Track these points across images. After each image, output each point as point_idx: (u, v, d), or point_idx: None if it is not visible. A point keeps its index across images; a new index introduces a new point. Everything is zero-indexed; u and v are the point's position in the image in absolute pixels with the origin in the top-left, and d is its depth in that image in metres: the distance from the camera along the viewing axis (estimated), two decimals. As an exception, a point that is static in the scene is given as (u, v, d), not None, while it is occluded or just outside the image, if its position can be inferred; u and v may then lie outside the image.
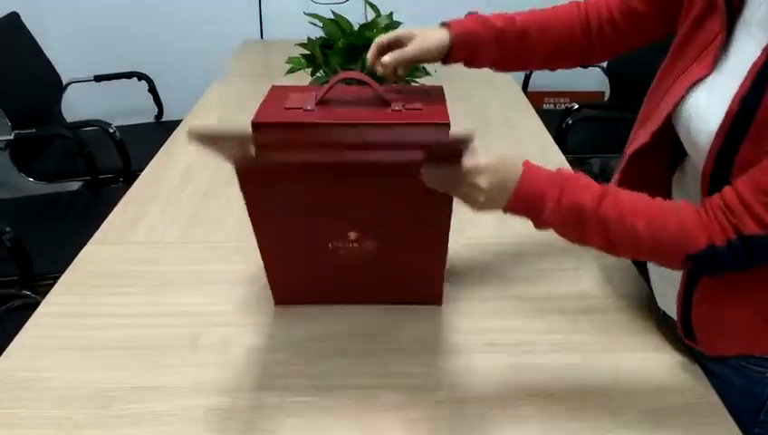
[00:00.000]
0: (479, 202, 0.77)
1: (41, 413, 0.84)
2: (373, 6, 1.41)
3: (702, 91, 0.79)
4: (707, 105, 0.77)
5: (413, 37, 0.93)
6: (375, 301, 1.02)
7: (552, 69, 1.03)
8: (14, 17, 2.29)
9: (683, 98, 0.81)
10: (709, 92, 0.78)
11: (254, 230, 0.93)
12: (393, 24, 1.37)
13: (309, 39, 1.38)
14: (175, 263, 1.15)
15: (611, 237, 0.75)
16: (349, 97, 0.96)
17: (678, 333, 0.88)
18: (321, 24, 1.37)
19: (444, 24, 0.95)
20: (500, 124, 1.74)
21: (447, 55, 0.95)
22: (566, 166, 1.48)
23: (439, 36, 0.94)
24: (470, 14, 0.97)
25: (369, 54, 0.96)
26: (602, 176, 2.62)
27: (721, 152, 0.72)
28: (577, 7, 0.98)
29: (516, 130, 1.67)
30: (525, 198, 0.76)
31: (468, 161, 0.74)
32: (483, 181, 0.75)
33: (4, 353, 0.94)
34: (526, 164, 0.77)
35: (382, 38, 0.95)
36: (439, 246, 0.95)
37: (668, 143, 0.88)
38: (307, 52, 1.40)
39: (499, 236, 1.21)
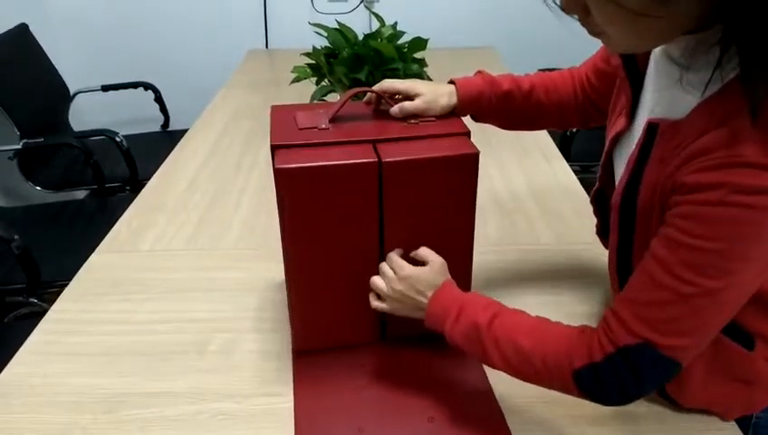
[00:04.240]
0: (394, 308, 0.85)
1: (48, 419, 0.84)
2: (377, 16, 1.42)
3: (616, 151, 0.83)
4: (618, 171, 0.79)
5: (420, 94, 0.92)
6: (407, 333, 0.93)
7: (560, 130, 1.03)
8: (22, 28, 2.31)
9: (609, 151, 0.85)
10: (618, 157, 0.81)
11: (288, 254, 0.87)
12: (397, 34, 1.38)
13: (314, 48, 1.40)
14: (181, 270, 1.16)
15: (505, 355, 0.73)
16: (359, 112, 0.93)
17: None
18: (325, 34, 1.38)
19: (451, 82, 0.96)
20: (504, 132, 1.74)
21: (453, 112, 0.95)
22: (569, 173, 1.49)
23: (447, 95, 0.94)
24: (479, 72, 0.99)
25: (372, 96, 0.96)
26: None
27: (620, 244, 0.75)
28: (570, 74, 1.01)
29: (520, 138, 1.67)
30: (432, 315, 0.81)
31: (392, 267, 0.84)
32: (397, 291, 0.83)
33: (12, 360, 0.95)
34: (442, 285, 0.82)
35: (384, 85, 0.93)
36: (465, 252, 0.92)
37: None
38: (312, 61, 1.41)
39: (502, 244, 1.23)
